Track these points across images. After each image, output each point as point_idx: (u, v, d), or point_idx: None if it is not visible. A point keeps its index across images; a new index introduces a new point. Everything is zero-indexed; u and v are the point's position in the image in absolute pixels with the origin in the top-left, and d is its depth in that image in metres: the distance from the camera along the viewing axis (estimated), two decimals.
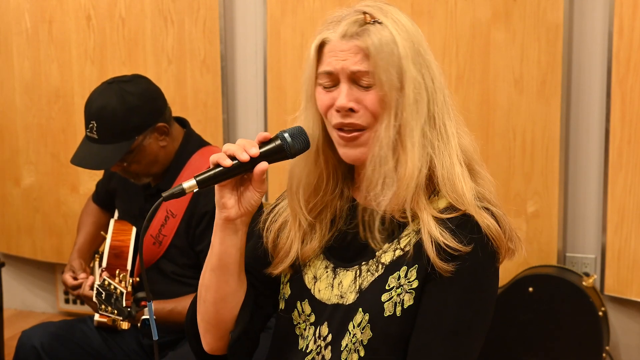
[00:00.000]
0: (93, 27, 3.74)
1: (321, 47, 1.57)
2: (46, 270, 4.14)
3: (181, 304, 2.49)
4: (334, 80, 1.55)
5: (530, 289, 3.09)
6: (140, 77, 2.62)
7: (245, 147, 1.52)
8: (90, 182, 3.73)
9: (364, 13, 1.55)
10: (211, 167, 1.53)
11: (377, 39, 1.52)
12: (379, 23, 1.54)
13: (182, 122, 2.68)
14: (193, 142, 2.63)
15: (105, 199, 2.84)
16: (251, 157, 1.52)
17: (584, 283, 3.13)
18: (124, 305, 2.34)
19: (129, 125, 2.48)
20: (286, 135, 1.55)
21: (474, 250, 1.51)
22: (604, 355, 3.09)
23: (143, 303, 2.33)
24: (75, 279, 2.62)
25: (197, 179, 1.51)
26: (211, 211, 2.50)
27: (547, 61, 3.19)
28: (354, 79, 1.54)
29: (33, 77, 3.86)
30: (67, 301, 4.12)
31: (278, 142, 1.55)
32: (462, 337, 1.52)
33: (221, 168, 1.52)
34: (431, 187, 1.57)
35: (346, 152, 1.56)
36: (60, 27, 3.78)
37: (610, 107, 3.14)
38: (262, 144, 1.55)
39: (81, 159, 2.54)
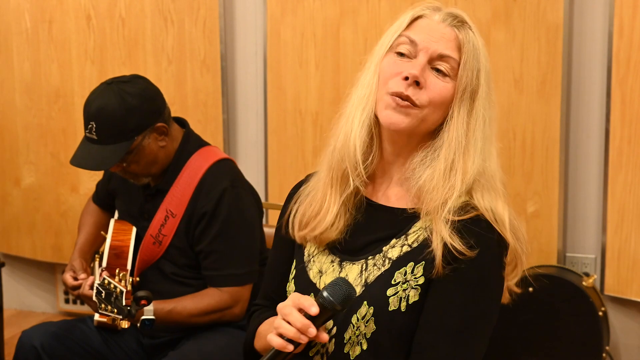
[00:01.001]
0: (93, 27, 3.74)
1: (414, 20, 1.59)
2: (46, 270, 4.14)
3: (181, 303, 2.49)
4: (412, 50, 1.57)
5: (530, 289, 3.08)
6: (139, 77, 2.61)
7: (308, 333, 1.48)
8: (90, 182, 3.73)
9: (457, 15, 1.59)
10: (273, 349, 1.51)
11: (473, 40, 1.57)
12: (471, 30, 1.59)
13: (181, 122, 2.68)
14: (192, 142, 2.63)
15: (105, 199, 2.84)
16: None
17: (584, 283, 3.13)
18: (124, 304, 2.34)
19: (128, 125, 2.48)
20: (334, 304, 1.50)
21: (483, 251, 1.52)
22: (604, 355, 3.09)
23: (143, 302, 2.33)
24: (75, 279, 2.62)
25: None
26: (210, 211, 2.50)
27: (547, 61, 3.19)
28: (436, 62, 1.56)
29: (33, 77, 3.86)
30: (67, 301, 4.12)
31: (329, 313, 1.50)
32: (466, 337, 1.53)
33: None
34: None
35: (390, 115, 1.56)
36: (60, 27, 3.78)
37: (610, 107, 3.14)
38: (314, 319, 1.50)
39: (81, 160, 2.54)
